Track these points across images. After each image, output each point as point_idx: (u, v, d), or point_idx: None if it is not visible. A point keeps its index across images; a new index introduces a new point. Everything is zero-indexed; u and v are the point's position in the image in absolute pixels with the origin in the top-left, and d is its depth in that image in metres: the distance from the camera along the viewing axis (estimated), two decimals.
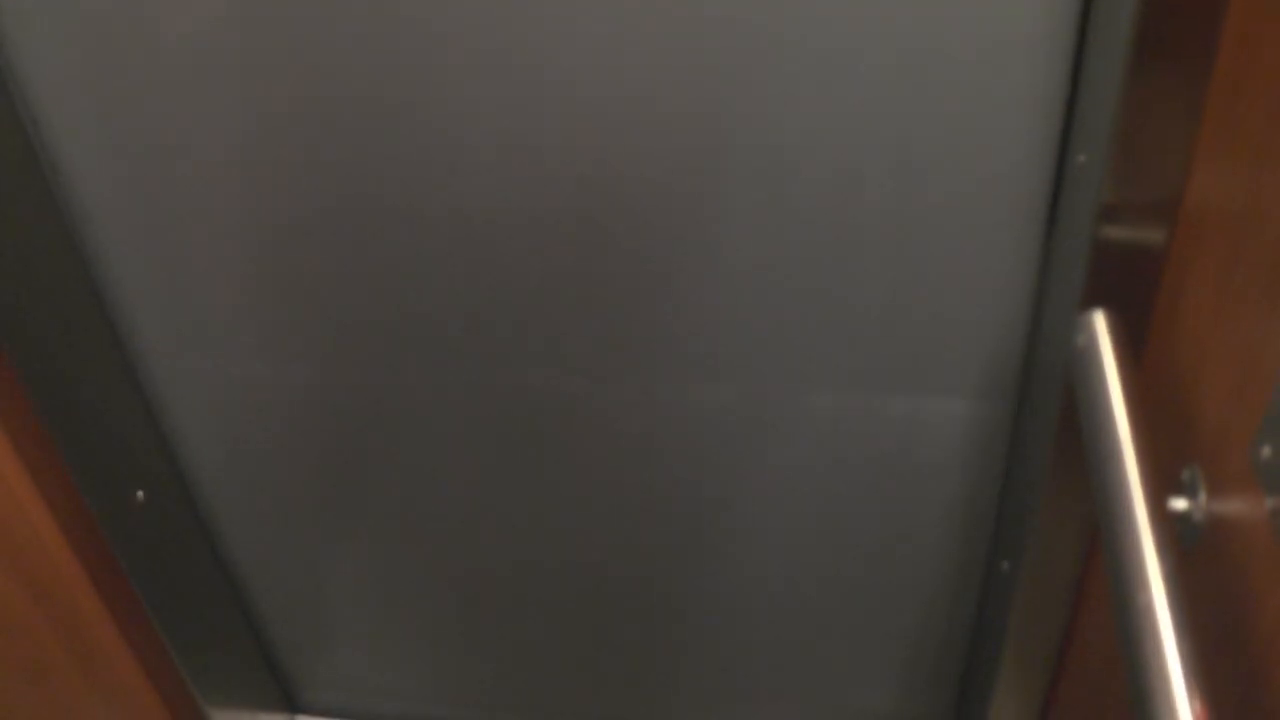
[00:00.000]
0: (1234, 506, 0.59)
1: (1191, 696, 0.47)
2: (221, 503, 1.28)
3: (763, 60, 0.83)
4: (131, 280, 1.06)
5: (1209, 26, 0.64)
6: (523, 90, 0.88)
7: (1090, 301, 0.76)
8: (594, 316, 1.02)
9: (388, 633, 1.43)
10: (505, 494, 1.20)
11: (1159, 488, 0.56)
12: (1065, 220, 0.84)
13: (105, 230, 1.03)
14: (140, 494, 1.16)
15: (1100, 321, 0.64)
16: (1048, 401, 0.92)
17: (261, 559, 1.35)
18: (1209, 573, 0.62)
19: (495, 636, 1.40)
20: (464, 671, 1.46)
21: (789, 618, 1.28)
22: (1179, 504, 0.65)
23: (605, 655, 1.39)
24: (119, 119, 0.95)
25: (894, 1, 0.79)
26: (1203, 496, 0.63)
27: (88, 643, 1.17)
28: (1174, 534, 0.54)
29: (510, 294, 1.01)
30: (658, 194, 0.92)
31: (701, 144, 0.89)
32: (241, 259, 1.03)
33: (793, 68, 0.83)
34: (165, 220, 1.01)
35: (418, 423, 1.14)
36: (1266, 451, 0.54)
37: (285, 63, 0.89)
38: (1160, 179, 0.71)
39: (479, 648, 1.42)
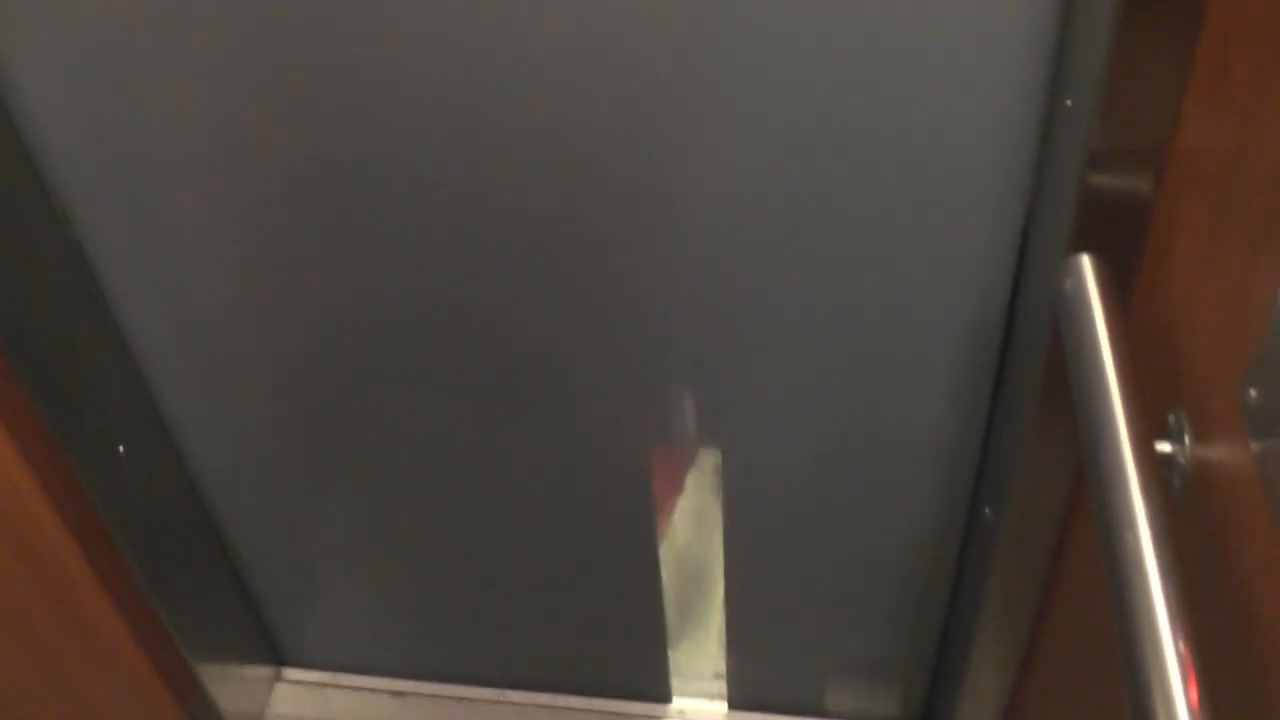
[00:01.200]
0: (1219, 450, 0.60)
1: (1177, 637, 0.48)
2: (206, 459, 1.28)
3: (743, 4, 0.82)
4: (113, 234, 1.05)
5: None
6: (507, 72, 0.87)
7: (1077, 246, 0.76)
8: (576, 280, 1.01)
9: (375, 588, 1.43)
10: (491, 451, 1.20)
11: (1145, 431, 0.56)
12: (1052, 165, 0.83)
13: (85, 184, 1.02)
14: (121, 449, 1.15)
15: (1087, 266, 0.63)
16: (1033, 348, 0.92)
17: (247, 515, 1.35)
18: (1194, 515, 0.63)
19: (482, 592, 1.40)
20: (451, 627, 1.47)
21: (770, 565, 1.29)
22: (1164, 447, 0.65)
23: (591, 612, 1.40)
24: (94, 79, 0.94)
25: None
26: (1188, 440, 0.63)
27: (71, 599, 1.17)
28: (1161, 477, 0.54)
29: (494, 260, 1.01)
30: (634, 154, 0.92)
31: (680, 86, 0.88)
32: (225, 215, 1.02)
33: (772, 8, 0.82)
34: (147, 173, 1.00)
35: (404, 381, 1.14)
36: (1253, 394, 0.54)
37: (258, 30, 0.88)
38: (1150, 124, 0.71)
39: (466, 604, 1.43)
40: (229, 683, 1.43)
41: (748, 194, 0.93)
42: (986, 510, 1.10)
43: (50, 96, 0.96)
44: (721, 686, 1.48)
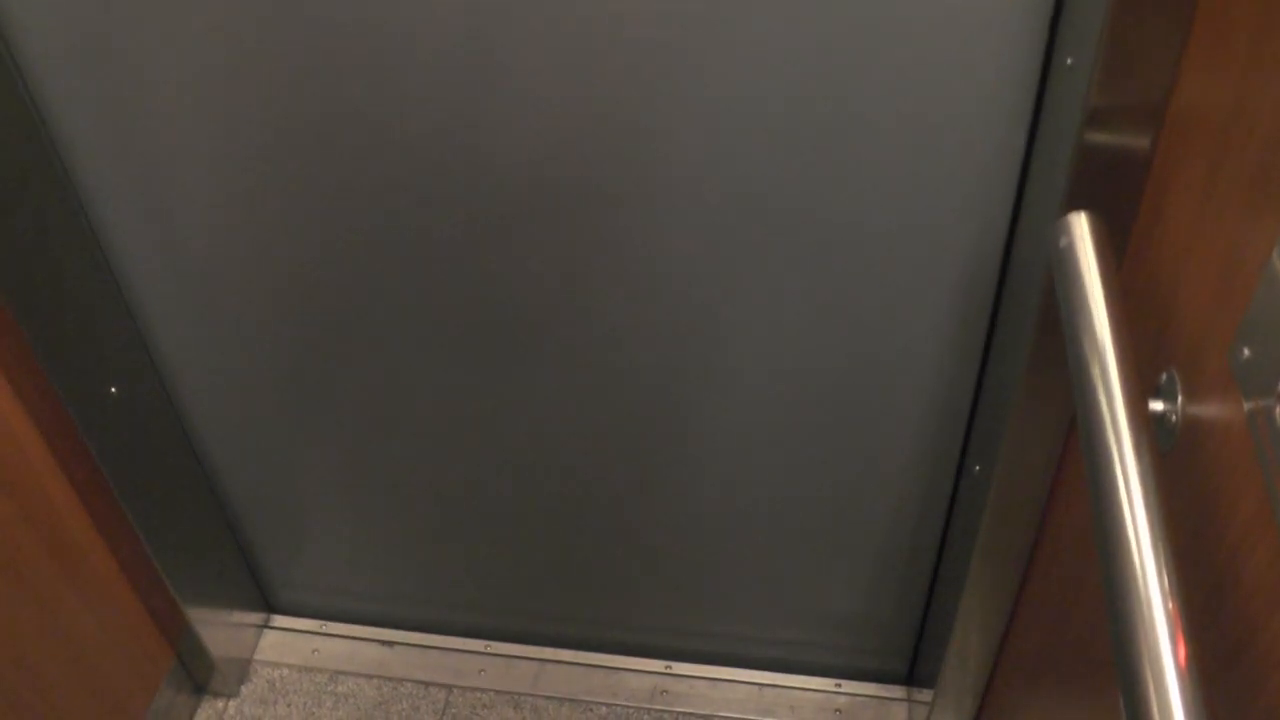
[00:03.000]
0: (1211, 409, 0.60)
1: (1166, 597, 0.48)
2: (198, 405, 1.28)
3: None
4: (105, 175, 1.04)
5: None
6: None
7: (1073, 204, 0.76)
8: (567, 221, 1.01)
9: (364, 534, 1.44)
10: (480, 397, 1.20)
11: (1138, 390, 0.56)
12: (1050, 122, 0.83)
13: (78, 125, 1.00)
14: (114, 390, 1.15)
15: (1083, 223, 0.63)
16: (1026, 305, 0.92)
17: (238, 460, 1.35)
18: (1184, 474, 0.63)
19: (469, 538, 1.41)
20: (439, 573, 1.48)
21: (762, 521, 1.29)
22: (1156, 406, 0.65)
23: (579, 559, 1.40)
24: (93, 27, 0.92)
25: None
26: (1180, 399, 0.64)
27: (63, 540, 1.17)
28: (1153, 436, 0.54)
29: (489, 202, 1.00)
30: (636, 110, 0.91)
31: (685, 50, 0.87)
32: (217, 156, 1.01)
33: None
34: (140, 116, 0.99)
35: (393, 326, 1.14)
36: (1246, 353, 0.54)
37: None
38: (1148, 83, 0.70)
39: (454, 550, 1.43)
40: (218, 627, 1.44)
41: (749, 147, 0.93)
42: (976, 467, 1.11)
43: (46, 23, 0.95)
44: (707, 643, 1.49)
